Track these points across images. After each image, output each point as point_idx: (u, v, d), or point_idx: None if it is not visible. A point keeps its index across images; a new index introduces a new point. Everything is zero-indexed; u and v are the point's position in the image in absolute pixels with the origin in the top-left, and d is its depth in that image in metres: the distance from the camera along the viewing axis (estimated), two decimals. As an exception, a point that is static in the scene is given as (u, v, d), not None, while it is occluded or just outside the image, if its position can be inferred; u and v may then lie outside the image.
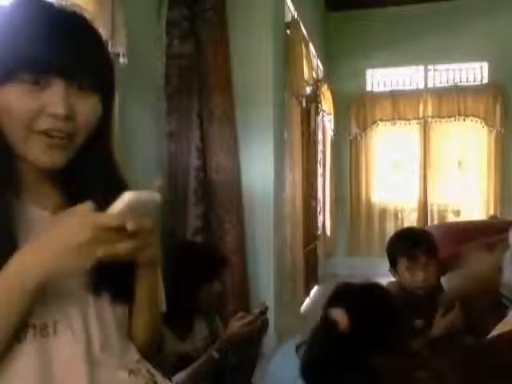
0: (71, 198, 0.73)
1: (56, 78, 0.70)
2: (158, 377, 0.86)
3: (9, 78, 0.69)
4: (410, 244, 1.96)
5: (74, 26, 0.74)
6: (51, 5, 0.78)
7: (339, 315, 1.35)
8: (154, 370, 0.86)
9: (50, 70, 0.70)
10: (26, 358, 0.70)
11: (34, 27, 0.70)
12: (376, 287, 1.50)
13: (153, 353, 0.91)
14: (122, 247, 0.68)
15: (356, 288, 1.46)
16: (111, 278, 0.77)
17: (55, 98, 0.70)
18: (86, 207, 0.68)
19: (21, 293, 0.67)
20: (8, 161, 0.73)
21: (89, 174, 0.79)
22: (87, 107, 0.74)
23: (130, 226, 0.67)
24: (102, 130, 0.79)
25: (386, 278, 2.03)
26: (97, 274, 0.75)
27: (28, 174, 0.77)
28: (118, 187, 0.75)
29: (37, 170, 0.77)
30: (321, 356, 1.38)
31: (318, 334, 1.43)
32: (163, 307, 0.94)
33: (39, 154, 0.72)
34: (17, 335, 0.70)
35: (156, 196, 0.71)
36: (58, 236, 0.67)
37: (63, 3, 1.76)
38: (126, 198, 0.67)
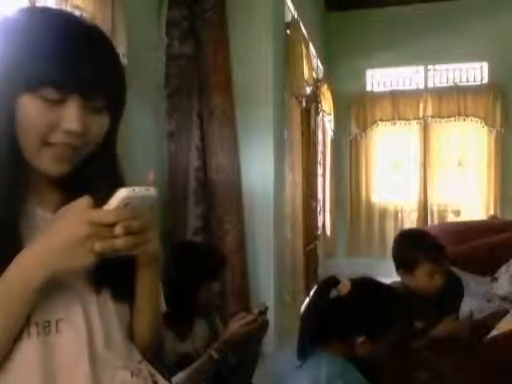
0: (74, 199, 0.73)
1: (74, 96, 0.71)
2: (159, 378, 0.87)
3: (30, 91, 0.69)
4: (436, 249, 1.97)
5: (97, 45, 0.75)
6: (69, 14, 0.79)
7: (343, 282, 1.43)
8: (154, 371, 0.87)
9: (72, 88, 0.71)
10: (28, 356, 0.71)
11: (57, 41, 0.71)
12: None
13: (154, 353, 0.91)
14: (120, 242, 0.68)
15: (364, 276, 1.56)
16: (112, 275, 0.77)
17: (71, 114, 0.71)
18: (83, 203, 0.69)
19: (25, 292, 0.68)
20: (18, 165, 0.74)
21: (92, 179, 0.80)
22: (98, 124, 0.76)
23: (124, 223, 0.68)
24: (107, 139, 0.80)
25: (385, 278, 2.03)
26: (98, 271, 0.75)
27: (33, 177, 0.77)
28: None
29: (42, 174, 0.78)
30: (318, 316, 1.43)
31: (318, 293, 1.47)
32: (163, 308, 0.94)
33: (49, 164, 0.74)
34: (20, 333, 0.70)
35: (152, 191, 0.71)
36: (57, 234, 0.68)
37: (64, 3, 1.76)
38: (122, 194, 0.68)
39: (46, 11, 0.78)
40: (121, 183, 0.82)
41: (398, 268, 2.02)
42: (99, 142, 0.78)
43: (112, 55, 0.78)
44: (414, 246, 2.01)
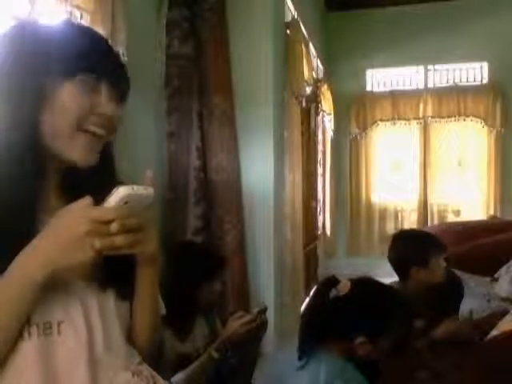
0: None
1: (104, 83, 0.80)
2: (159, 379, 0.87)
3: (70, 76, 0.76)
4: (443, 242, 2.08)
5: (112, 48, 0.88)
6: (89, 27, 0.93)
7: (343, 282, 1.43)
8: (154, 373, 0.87)
9: (104, 73, 0.79)
10: (28, 357, 0.71)
11: (89, 40, 0.82)
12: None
13: (153, 355, 0.91)
14: (120, 240, 0.69)
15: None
16: (118, 274, 0.78)
17: (105, 99, 0.79)
18: (84, 202, 0.69)
19: (26, 290, 0.68)
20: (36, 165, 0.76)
21: (93, 184, 0.81)
22: (118, 111, 0.82)
23: (121, 220, 0.68)
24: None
25: (386, 278, 2.04)
26: (104, 270, 0.76)
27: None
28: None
29: (56, 178, 0.82)
30: (318, 316, 1.42)
31: (318, 293, 1.47)
32: (163, 310, 0.95)
33: (80, 153, 0.78)
34: (20, 334, 0.71)
35: (150, 191, 0.72)
36: (57, 231, 0.69)
37: (64, 3, 1.76)
38: (121, 192, 0.68)
39: (75, 24, 0.90)
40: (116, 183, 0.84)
41: (395, 271, 2.06)
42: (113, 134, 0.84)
43: (119, 55, 0.90)
44: (427, 242, 2.08)
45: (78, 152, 0.78)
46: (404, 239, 2.13)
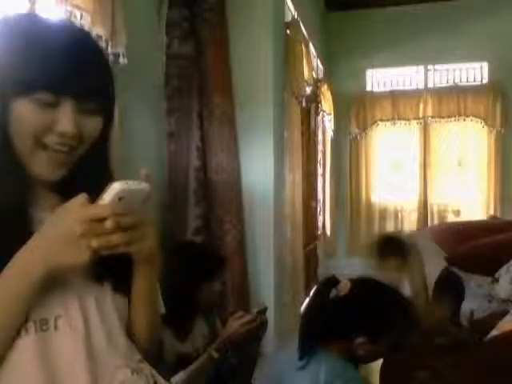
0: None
1: (67, 99, 0.73)
2: (160, 378, 0.87)
3: (25, 94, 0.71)
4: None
5: (86, 50, 0.78)
6: (62, 22, 0.83)
7: (343, 282, 1.44)
8: (154, 372, 0.87)
9: (66, 91, 0.73)
10: (26, 354, 0.71)
11: (50, 47, 0.73)
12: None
13: (153, 355, 0.91)
14: (116, 238, 0.68)
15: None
16: (113, 267, 0.77)
17: (65, 117, 0.73)
18: (79, 201, 0.69)
19: (24, 287, 0.68)
20: (17, 168, 0.75)
21: (88, 180, 0.80)
22: (91, 126, 0.77)
23: (115, 217, 0.68)
24: (101, 139, 0.82)
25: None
26: (99, 263, 0.75)
27: (31, 181, 0.78)
28: None
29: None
30: (318, 316, 1.43)
31: (318, 293, 1.47)
32: (162, 309, 0.94)
33: (42, 168, 0.76)
34: (17, 331, 0.71)
35: (145, 186, 0.71)
36: (53, 232, 0.68)
37: (64, 3, 1.76)
38: (116, 187, 0.68)
39: (39, 19, 0.79)
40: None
41: None
42: (93, 141, 0.79)
43: (101, 59, 0.81)
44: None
45: (39, 167, 0.75)
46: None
